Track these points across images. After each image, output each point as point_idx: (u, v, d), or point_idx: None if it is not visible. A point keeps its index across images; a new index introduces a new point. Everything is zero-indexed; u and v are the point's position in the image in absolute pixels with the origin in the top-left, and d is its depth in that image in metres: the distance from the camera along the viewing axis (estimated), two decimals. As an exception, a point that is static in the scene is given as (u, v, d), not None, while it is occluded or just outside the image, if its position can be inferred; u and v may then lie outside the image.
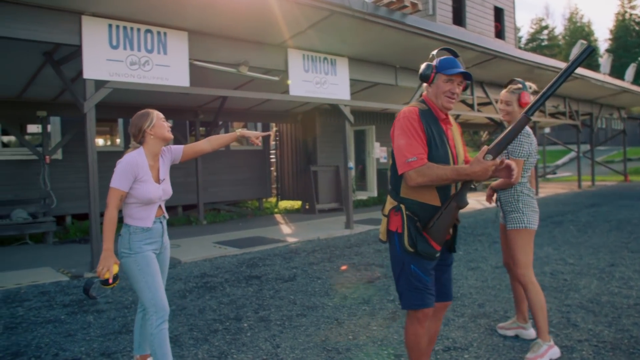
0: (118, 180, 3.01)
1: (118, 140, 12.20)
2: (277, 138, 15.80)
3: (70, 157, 10.64)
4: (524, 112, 2.64)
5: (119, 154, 3.20)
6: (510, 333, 4.05)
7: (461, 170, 2.58)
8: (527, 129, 3.51)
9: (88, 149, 6.47)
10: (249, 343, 4.02)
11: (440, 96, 2.76)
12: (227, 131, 13.53)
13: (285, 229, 10.56)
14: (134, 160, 3.07)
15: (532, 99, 3.72)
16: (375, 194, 15.19)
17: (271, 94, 9.12)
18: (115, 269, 2.95)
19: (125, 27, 6.75)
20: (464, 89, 2.86)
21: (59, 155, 10.49)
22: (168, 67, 7.17)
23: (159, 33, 7.08)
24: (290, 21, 7.57)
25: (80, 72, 6.53)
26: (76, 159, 10.55)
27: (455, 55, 2.84)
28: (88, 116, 6.44)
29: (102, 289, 2.99)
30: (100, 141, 12.62)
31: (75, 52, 6.69)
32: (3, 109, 9.57)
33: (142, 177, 3.08)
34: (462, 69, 2.73)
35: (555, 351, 3.61)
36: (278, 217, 12.99)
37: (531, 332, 3.99)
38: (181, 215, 12.21)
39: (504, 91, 3.84)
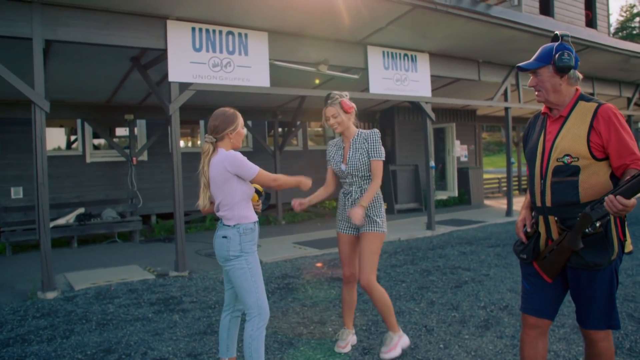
0: (252, 164, 3.08)
1: (199, 142, 12.51)
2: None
3: (155, 158, 11.03)
4: None
5: (200, 156, 3.18)
6: (349, 348, 3.87)
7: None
8: (378, 131, 3.87)
9: (173, 150, 6.60)
10: (334, 349, 3.88)
11: None
12: (305, 130, 13.57)
13: (364, 229, 10.35)
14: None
15: (351, 102, 3.84)
16: (455, 193, 14.68)
17: (350, 92, 8.95)
18: None
19: (207, 30, 6.84)
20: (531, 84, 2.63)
21: (144, 156, 10.89)
22: (249, 68, 7.19)
23: (240, 34, 7.12)
24: (369, 17, 7.39)
25: (165, 76, 6.68)
26: (161, 160, 10.95)
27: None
28: (173, 118, 6.56)
29: None
30: (181, 143, 12.99)
31: (160, 56, 6.85)
32: (94, 113, 10.05)
33: None
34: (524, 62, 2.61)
35: (406, 340, 3.76)
36: (356, 217, 12.79)
37: (355, 337, 4.01)
38: (260, 215, 12.34)
39: (326, 108, 3.82)
